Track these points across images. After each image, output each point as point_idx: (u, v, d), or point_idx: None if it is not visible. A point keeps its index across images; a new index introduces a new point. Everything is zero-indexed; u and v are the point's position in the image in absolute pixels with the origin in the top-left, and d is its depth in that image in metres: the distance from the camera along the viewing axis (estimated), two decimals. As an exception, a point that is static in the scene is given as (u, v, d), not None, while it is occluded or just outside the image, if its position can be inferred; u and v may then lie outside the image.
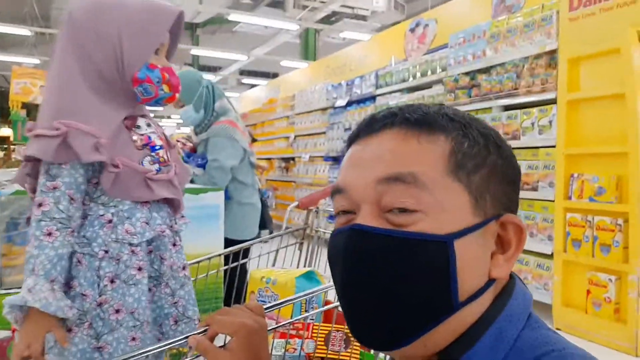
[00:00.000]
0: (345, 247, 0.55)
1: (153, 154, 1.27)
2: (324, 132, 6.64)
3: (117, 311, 1.16)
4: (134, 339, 1.17)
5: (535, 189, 3.60)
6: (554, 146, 3.42)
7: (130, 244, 1.19)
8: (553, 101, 3.47)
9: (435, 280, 0.51)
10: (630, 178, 2.94)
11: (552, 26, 3.51)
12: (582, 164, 3.25)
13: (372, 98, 5.62)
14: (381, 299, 0.53)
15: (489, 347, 0.52)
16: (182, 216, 1.38)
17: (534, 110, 3.60)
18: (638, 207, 2.90)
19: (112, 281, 1.16)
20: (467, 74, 4.28)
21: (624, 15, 3.00)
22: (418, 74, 4.91)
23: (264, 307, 0.80)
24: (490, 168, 0.55)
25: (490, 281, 0.54)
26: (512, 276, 0.59)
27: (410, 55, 5.61)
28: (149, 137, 1.28)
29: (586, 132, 3.28)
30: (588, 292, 3.16)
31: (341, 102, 6.16)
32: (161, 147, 1.29)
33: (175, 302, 1.30)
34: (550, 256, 3.45)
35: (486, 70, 4.09)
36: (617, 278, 3.02)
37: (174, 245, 1.32)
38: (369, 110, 5.61)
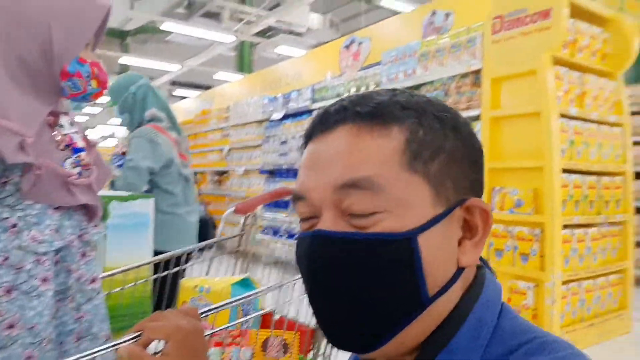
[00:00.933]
0: (309, 253, 0.54)
1: (75, 156, 1.18)
2: (259, 145, 6.60)
3: (11, 326, 1.02)
4: (30, 357, 1.04)
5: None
6: (493, 161, 3.61)
7: (36, 253, 1.07)
8: (477, 118, 3.68)
9: (402, 278, 0.51)
10: (545, 190, 3.16)
11: (477, 48, 3.73)
12: (504, 177, 3.45)
13: (309, 112, 5.67)
14: (351, 303, 0.52)
15: (470, 335, 0.52)
16: (96, 225, 1.26)
17: (461, 126, 3.79)
18: (552, 217, 3.12)
19: (8, 291, 1.03)
20: (398, 90, 4.43)
21: (540, 40, 3.25)
22: (353, 89, 5.03)
23: (199, 312, 0.76)
24: (449, 153, 0.54)
25: (460, 270, 0.54)
26: (480, 265, 0.59)
27: (345, 71, 5.74)
28: (72, 138, 1.19)
29: (507, 148, 3.49)
30: (509, 299, 3.33)
31: (277, 115, 6.17)
32: (83, 149, 1.21)
33: (80, 317, 1.17)
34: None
35: (417, 88, 4.26)
36: (535, 285, 3.22)
37: (84, 255, 1.20)
38: (305, 123, 5.65)
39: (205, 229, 2.70)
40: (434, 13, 4.80)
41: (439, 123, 0.55)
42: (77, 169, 1.17)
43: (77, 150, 1.19)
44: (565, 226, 3.18)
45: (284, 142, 6.02)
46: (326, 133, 0.56)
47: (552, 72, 3.24)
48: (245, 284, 1.48)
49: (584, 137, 3.38)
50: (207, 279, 1.55)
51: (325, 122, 0.57)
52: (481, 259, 0.59)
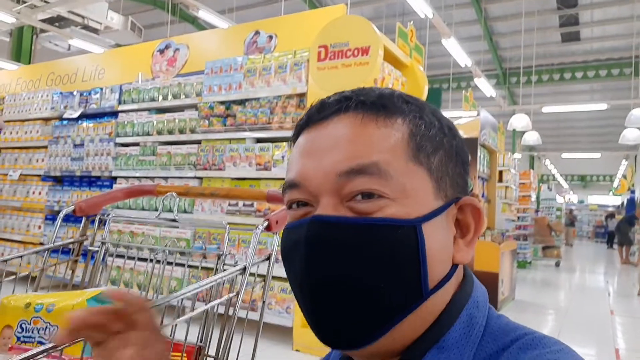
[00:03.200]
0: (307, 240, 0.51)
1: None
2: (44, 146, 5.65)
3: None
4: None
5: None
6: (301, 178, 3.78)
7: None
8: (301, 138, 3.85)
9: (405, 267, 0.50)
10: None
11: (302, 72, 3.94)
12: (324, 195, 3.67)
13: (114, 114, 5.12)
14: (349, 292, 0.50)
15: (462, 332, 0.52)
16: None
17: (285, 144, 3.92)
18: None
19: None
20: (222, 102, 4.36)
21: (359, 72, 3.61)
22: (170, 96, 4.75)
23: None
24: (446, 150, 0.55)
25: (454, 267, 0.54)
26: (465, 266, 0.59)
27: (159, 75, 5.39)
28: None
29: (328, 168, 3.74)
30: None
31: (72, 114, 5.40)
32: None
33: None
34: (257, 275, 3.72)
35: (242, 102, 4.26)
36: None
37: None
38: (108, 126, 5.07)
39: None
40: (257, 33, 4.90)
41: (437, 121, 0.56)
42: None
43: None
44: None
45: (79, 145, 5.29)
46: (326, 121, 0.55)
47: (368, 103, 3.62)
48: (103, 299, 1.23)
49: (390, 163, 3.85)
50: (44, 294, 1.24)
51: (324, 110, 0.55)
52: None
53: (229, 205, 4.25)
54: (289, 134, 3.97)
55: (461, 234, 0.56)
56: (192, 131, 4.52)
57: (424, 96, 4.43)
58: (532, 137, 11.66)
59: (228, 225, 1.16)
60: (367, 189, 0.50)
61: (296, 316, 3.62)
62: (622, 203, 21.15)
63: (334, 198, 0.52)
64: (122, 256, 1.28)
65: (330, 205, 0.51)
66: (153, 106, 4.88)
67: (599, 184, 29.07)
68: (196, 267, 3.97)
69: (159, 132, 4.75)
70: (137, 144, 4.93)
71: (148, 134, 4.82)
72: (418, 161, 0.52)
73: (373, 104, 0.53)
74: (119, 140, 5.02)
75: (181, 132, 4.60)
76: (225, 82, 4.35)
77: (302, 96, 3.95)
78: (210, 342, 1.01)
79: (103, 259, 1.26)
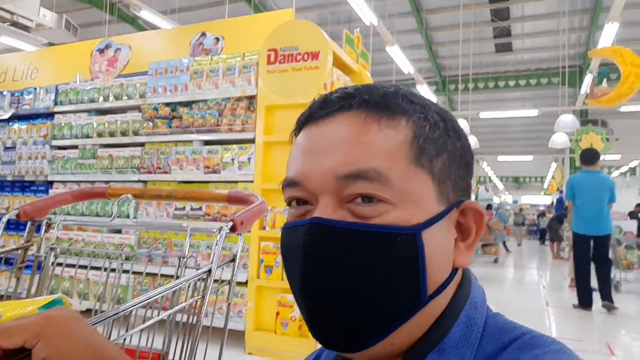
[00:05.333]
0: (305, 243, 0.50)
1: None
2: (-31, 149, 5.24)
3: None
4: None
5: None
6: (252, 181, 3.73)
7: None
8: (252, 140, 3.82)
9: (404, 274, 0.49)
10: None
11: (251, 74, 3.90)
12: (275, 198, 3.65)
13: (50, 115, 4.84)
14: (347, 297, 0.49)
15: (462, 334, 0.51)
16: None
17: (235, 147, 3.87)
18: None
19: None
20: (167, 104, 4.24)
21: (309, 77, 3.62)
22: (111, 97, 4.55)
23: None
24: (450, 152, 0.54)
25: (454, 270, 0.54)
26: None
27: (98, 76, 5.16)
28: None
29: (278, 170, 3.73)
30: (277, 313, 3.49)
31: (2, 115, 5.05)
32: None
33: None
34: (245, 284, 3.67)
35: (189, 104, 4.16)
36: (300, 298, 3.47)
37: None
38: (43, 128, 4.79)
39: None
40: (203, 34, 4.81)
41: (442, 122, 0.55)
42: None
43: None
44: (326, 244, 3.56)
45: (10, 148, 4.96)
46: (328, 118, 0.53)
47: (318, 107, 3.64)
48: (55, 306, 1.16)
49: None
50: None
51: (327, 107, 0.54)
52: None
53: (175, 209, 4.13)
54: (238, 136, 3.93)
55: (462, 238, 0.55)
56: (136, 133, 4.36)
57: (371, 101, 4.52)
58: (470, 142, 12.15)
59: (189, 229, 1.12)
60: (367, 193, 0.49)
61: (248, 320, 3.57)
62: (552, 202, 22.51)
63: (334, 199, 0.51)
64: (73, 265, 1.21)
65: (330, 206, 0.51)
66: (93, 107, 4.66)
67: (531, 184, 30.80)
68: (140, 274, 3.83)
69: (100, 135, 4.54)
70: (75, 147, 4.68)
71: (88, 136, 4.59)
72: (420, 164, 0.51)
73: (376, 103, 0.52)
74: (55, 142, 4.76)
75: (123, 134, 4.42)
76: (170, 84, 4.23)
77: (251, 99, 3.91)
78: (177, 348, 0.98)
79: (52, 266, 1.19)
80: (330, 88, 3.97)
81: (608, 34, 7.20)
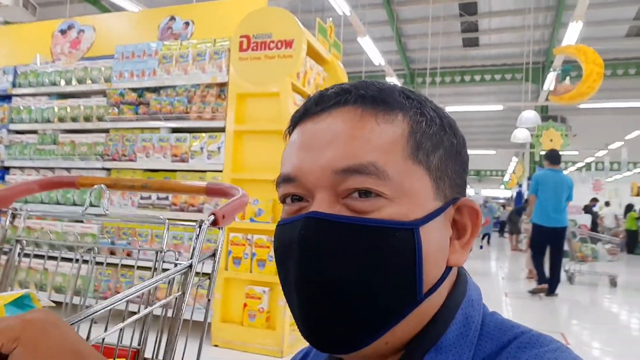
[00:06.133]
0: (301, 237, 0.49)
1: None
2: None
3: None
4: None
5: (200, 210, 3.74)
6: (221, 171, 3.67)
7: None
8: (222, 129, 3.74)
9: (401, 270, 0.48)
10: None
11: (223, 61, 3.81)
12: (246, 188, 3.57)
13: (8, 97, 4.60)
14: (343, 294, 0.48)
15: (459, 332, 0.51)
16: None
17: (204, 135, 3.78)
18: (288, 227, 3.43)
19: None
20: (134, 90, 4.10)
21: (283, 65, 3.57)
22: (74, 80, 4.37)
23: None
24: (446, 148, 0.53)
25: (448, 268, 0.53)
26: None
27: (60, 58, 4.94)
28: None
29: (249, 160, 3.67)
30: (245, 305, 3.46)
31: (-46, 96, 4.77)
32: None
33: None
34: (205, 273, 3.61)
35: (157, 90, 4.04)
36: (270, 289, 3.45)
37: None
38: (0, 111, 4.55)
39: None
40: (172, 18, 4.66)
41: (438, 118, 0.54)
42: None
43: None
44: (296, 235, 3.54)
45: (-39, 132, 4.69)
46: (324, 114, 0.53)
47: (291, 97, 3.60)
48: (22, 303, 1.10)
49: (311, 157, 3.87)
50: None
51: (322, 103, 0.53)
52: None
53: (141, 198, 4.01)
54: (208, 124, 3.84)
55: (457, 235, 0.54)
56: (100, 119, 4.20)
57: (343, 92, 4.50)
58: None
59: (167, 221, 1.08)
60: (365, 188, 0.48)
61: (215, 311, 3.53)
62: (512, 196, 23.22)
63: (330, 194, 0.50)
64: (42, 256, 1.15)
65: (326, 201, 0.50)
66: (54, 91, 4.46)
67: (492, 178, 31.65)
68: (101, 264, 3.71)
69: (61, 119, 4.35)
70: (34, 132, 4.48)
71: (48, 121, 4.40)
72: (417, 160, 0.51)
73: (373, 98, 0.52)
74: (12, 127, 4.53)
75: (87, 119, 4.26)
76: (137, 68, 4.09)
77: (222, 86, 3.83)
78: (156, 344, 0.94)
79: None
80: (303, 77, 3.93)
81: (572, 33, 7.42)
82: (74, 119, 4.30)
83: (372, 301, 0.48)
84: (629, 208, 15.31)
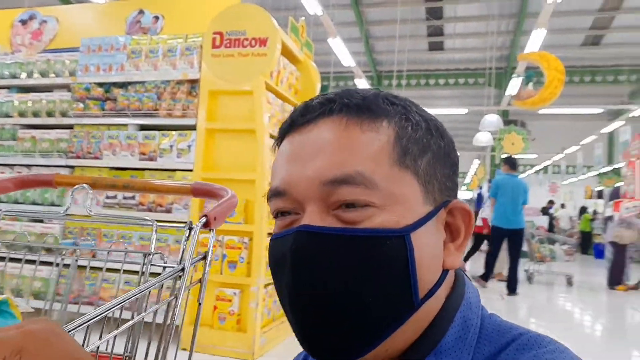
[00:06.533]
0: (293, 251, 0.49)
1: None
2: None
3: None
4: None
5: (169, 210, 3.65)
6: (191, 170, 3.59)
7: None
8: (193, 127, 3.66)
9: (395, 277, 0.48)
10: (256, 202, 3.42)
11: (194, 57, 3.73)
12: (218, 188, 3.53)
13: (-38, 90, 4.36)
14: (339, 305, 0.48)
15: (458, 336, 0.51)
16: None
17: (174, 133, 3.69)
18: (260, 227, 3.39)
19: None
20: (100, 84, 3.96)
21: (257, 63, 3.52)
22: (36, 73, 4.18)
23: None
24: (434, 152, 0.54)
25: (445, 272, 0.53)
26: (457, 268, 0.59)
27: (20, 49, 4.72)
28: None
29: (221, 160, 3.61)
30: (215, 307, 3.40)
31: None
32: None
33: None
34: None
35: (125, 85, 3.91)
36: (241, 291, 3.40)
37: None
38: (-47, 103, 4.31)
39: None
40: (141, 12, 4.53)
41: (424, 121, 0.55)
42: None
43: None
44: (268, 234, 3.51)
45: None
46: (309, 125, 0.53)
47: (264, 95, 3.56)
48: (0, 309, 1.04)
49: (284, 157, 3.84)
50: None
51: (308, 114, 0.54)
52: None
53: (107, 197, 3.89)
54: (178, 122, 3.75)
55: (451, 238, 0.55)
56: (64, 114, 4.04)
57: (317, 92, 4.50)
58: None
59: (156, 223, 1.04)
60: (353, 199, 0.49)
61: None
62: (472, 197, 23.83)
63: (320, 206, 0.50)
64: (18, 259, 1.09)
65: (316, 213, 0.50)
66: (14, 84, 4.26)
67: (453, 180, 32.28)
68: (67, 266, 3.57)
69: (22, 114, 4.16)
70: (-9, 126, 4.27)
71: (7, 116, 4.19)
72: (405, 165, 0.51)
73: (357, 106, 0.52)
74: (-33, 120, 4.30)
75: (49, 114, 4.08)
76: (104, 63, 3.95)
77: (194, 83, 3.75)
78: (148, 351, 0.90)
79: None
80: (276, 76, 3.90)
81: (535, 40, 7.66)
82: (35, 114, 4.12)
83: (368, 310, 0.48)
84: (583, 210, 15.98)
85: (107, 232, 3.77)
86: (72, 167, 3.98)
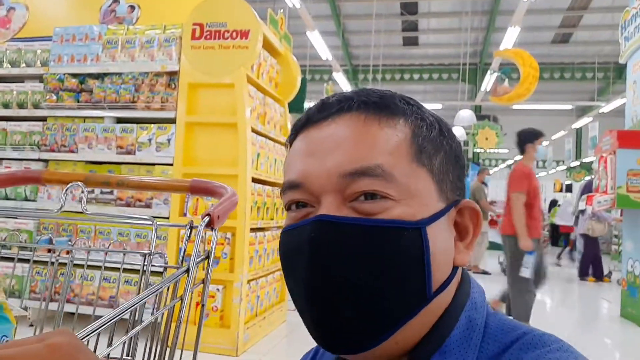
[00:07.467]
0: (310, 240, 0.50)
1: None
2: None
3: None
4: None
5: (149, 206, 3.57)
6: (171, 164, 3.52)
7: None
8: (172, 120, 3.58)
9: (410, 269, 0.49)
10: (239, 197, 3.37)
11: (173, 49, 3.65)
12: (199, 182, 3.47)
13: None
14: (354, 295, 0.49)
15: (463, 335, 0.52)
16: None
17: (152, 126, 3.61)
18: (243, 222, 3.35)
19: None
20: (75, 75, 3.83)
21: (238, 56, 3.47)
22: (5, 63, 4.01)
23: None
24: (446, 152, 0.55)
25: (455, 268, 0.54)
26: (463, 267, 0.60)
27: (-13, 38, 4.52)
28: None
29: (202, 154, 3.55)
30: (197, 304, 3.34)
31: None
32: None
33: None
34: (160, 274, 3.46)
35: (101, 76, 3.80)
36: (224, 287, 3.36)
37: None
38: None
39: None
40: (116, 1, 4.39)
41: (437, 122, 0.57)
42: None
43: None
44: (251, 230, 3.47)
45: None
46: (327, 121, 0.54)
47: (246, 88, 3.51)
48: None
49: (265, 151, 3.81)
50: None
51: (325, 110, 0.55)
52: None
53: (82, 192, 3.77)
54: (157, 114, 3.66)
55: (460, 237, 0.56)
56: (36, 106, 3.90)
57: (297, 86, 4.47)
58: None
59: (156, 221, 1.00)
60: (372, 190, 0.50)
61: (165, 311, 3.39)
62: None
63: (337, 198, 0.51)
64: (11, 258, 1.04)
65: (333, 204, 0.51)
66: (-18, 73, 4.08)
67: (426, 174, 32.73)
68: (37, 262, 3.46)
69: (-10, 105, 3.99)
70: (-42, 118, 4.08)
71: (-25, 107, 4.02)
72: (421, 162, 0.52)
73: (375, 104, 0.53)
74: None
75: (21, 106, 3.93)
76: (79, 53, 3.82)
77: (173, 75, 3.66)
78: (151, 354, 0.88)
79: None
80: (257, 69, 3.85)
81: (510, 37, 7.79)
82: (5, 105, 3.96)
83: (383, 299, 0.49)
84: (553, 203, 16.42)
85: (84, 228, 3.67)
86: (45, 160, 3.85)
